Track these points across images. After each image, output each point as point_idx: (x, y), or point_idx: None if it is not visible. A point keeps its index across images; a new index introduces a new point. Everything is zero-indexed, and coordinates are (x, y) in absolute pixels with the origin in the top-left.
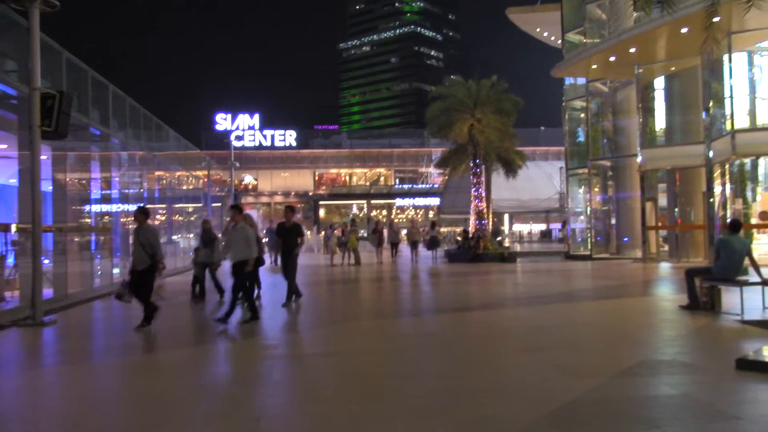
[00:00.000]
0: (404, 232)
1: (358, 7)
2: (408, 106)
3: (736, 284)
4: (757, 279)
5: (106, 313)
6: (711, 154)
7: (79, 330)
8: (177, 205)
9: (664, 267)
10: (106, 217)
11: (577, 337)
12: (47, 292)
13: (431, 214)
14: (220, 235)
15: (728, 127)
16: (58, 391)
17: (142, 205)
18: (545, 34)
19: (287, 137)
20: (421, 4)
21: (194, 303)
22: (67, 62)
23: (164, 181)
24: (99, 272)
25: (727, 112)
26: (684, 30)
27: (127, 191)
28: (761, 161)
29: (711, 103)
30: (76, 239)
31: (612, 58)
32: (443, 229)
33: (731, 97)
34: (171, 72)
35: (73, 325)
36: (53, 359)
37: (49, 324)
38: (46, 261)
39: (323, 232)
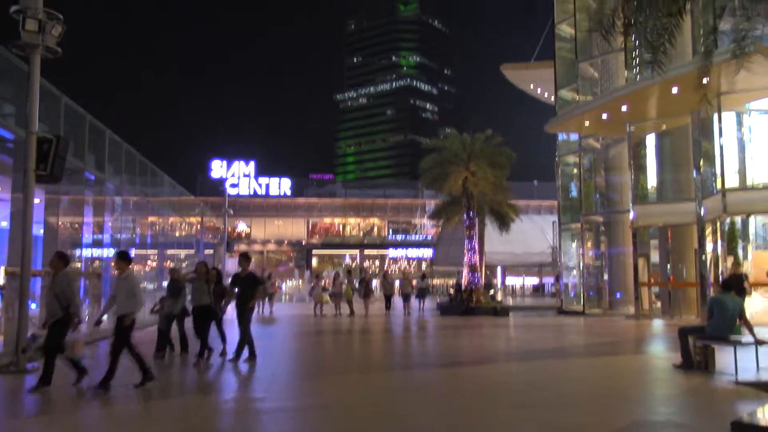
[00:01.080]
0: (397, 283)
1: (355, 60)
2: (403, 157)
3: (730, 344)
4: (751, 339)
5: (91, 361)
6: (702, 211)
7: (62, 379)
8: (169, 251)
9: (657, 324)
10: (97, 261)
11: (569, 395)
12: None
13: (424, 265)
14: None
15: (719, 185)
16: None
17: (62, 250)
18: (539, 90)
19: (282, 185)
20: (418, 59)
21: (160, 357)
22: (65, 107)
23: (157, 227)
24: (86, 318)
25: (718, 170)
26: (674, 90)
27: (119, 236)
28: (752, 220)
29: (702, 162)
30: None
31: (604, 116)
32: (436, 281)
33: (721, 156)
34: (168, 117)
35: (57, 372)
36: (34, 409)
37: (33, 371)
38: (33, 306)
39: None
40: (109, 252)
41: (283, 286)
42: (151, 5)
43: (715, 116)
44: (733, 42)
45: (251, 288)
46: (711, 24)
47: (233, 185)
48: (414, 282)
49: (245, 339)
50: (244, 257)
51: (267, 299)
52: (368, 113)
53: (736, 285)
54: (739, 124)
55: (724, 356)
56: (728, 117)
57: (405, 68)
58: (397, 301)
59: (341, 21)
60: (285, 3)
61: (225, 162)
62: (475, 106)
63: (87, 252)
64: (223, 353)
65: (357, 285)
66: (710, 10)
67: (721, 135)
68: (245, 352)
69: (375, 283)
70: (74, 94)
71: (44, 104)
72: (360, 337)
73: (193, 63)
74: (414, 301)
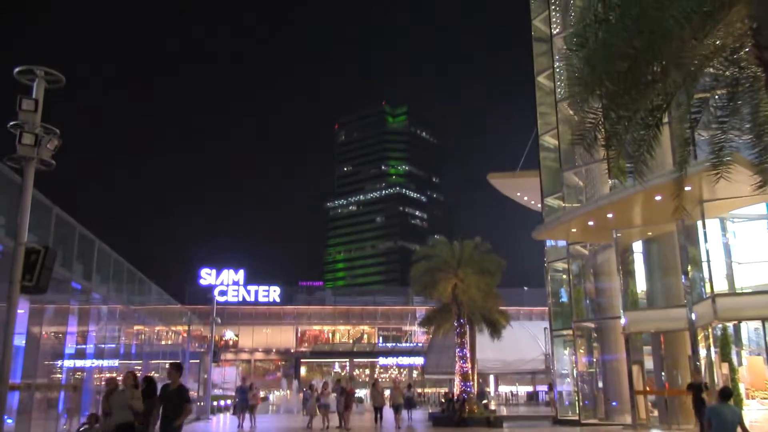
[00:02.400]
0: (387, 393)
1: (345, 169)
2: (392, 264)
3: None
4: None
5: None
6: (693, 317)
7: None
8: (153, 361)
9: None
10: (79, 373)
11: None
12: None
13: (415, 373)
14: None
15: (708, 290)
16: None
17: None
18: (525, 198)
19: (271, 293)
20: (406, 168)
21: None
22: (56, 217)
23: (142, 336)
24: None
25: (706, 276)
26: (658, 198)
27: (102, 346)
28: (743, 325)
29: (690, 267)
30: (44, 396)
31: (590, 223)
32: (427, 390)
33: (708, 261)
34: (159, 226)
35: None
36: None
37: None
38: (9, 420)
39: (302, 392)
40: (92, 362)
41: (271, 397)
42: (146, 120)
43: (700, 223)
44: (711, 153)
45: (178, 404)
46: (687, 135)
47: (222, 293)
48: (404, 391)
49: None
50: (175, 367)
51: (248, 411)
52: (358, 220)
53: (695, 395)
54: (724, 230)
55: None
56: (713, 224)
57: (394, 177)
58: (387, 412)
59: (332, 132)
60: (275, 113)
61: (214, 270)
62: (464, 212)
63: (69, 363)
64: None
65: (337, 395)
66: (686, 121)
67: (706, 241)
68: None
69: (365, 392)
70: (64, 203)
71: (35, 214)
72: None
73: (187, 173)
74: (404, 413)
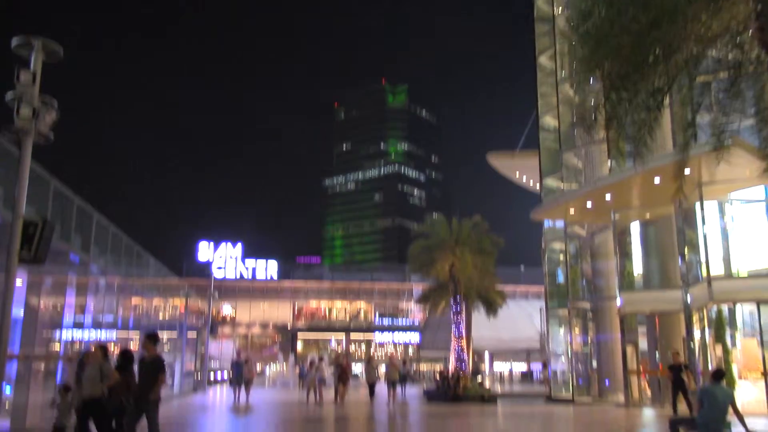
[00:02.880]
0: (382, 369)
1: (344, 147)
2: (390, 241)
3: None
4: (742, 430)
5: None
6: (689, 299)
7: None
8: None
9: (648, 414)
10: (77, 344)
11: None
12: (4, 423)
13: (411, 350)
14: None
15: (704, 273)
16: None
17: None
18: (524, 178)
19: (269, 268)
20: (405, 147)
21: None
22: (54, 190)
23: (140, 309)
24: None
25: (702, 258)
26: (657, 180)
27: (100, 318)
28: (739, 307)
29: (686, 250)
30: (41, 368)
31: (589, 204)
32: (423, 366)
33: (705, 244)
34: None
35: None
36: None
37: None
38: (8, 389)
39: (298, 367)
40: (90, 334)
41: (267, 371)
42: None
43: (698, 205)
44: (712, 136)
45: (152, 375)
46: (689, 118)
47: (219, 268)
48: (400, 369)
49: None
50: (150, 338)
51: (243, 385)
52: (356, 198)
53: (674, 375)
54: (722, 213)
55: None
56: (711, 206)
57: (393, 155)
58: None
59: (332, 109)
60: (276, 90)
61: (212, 243)
62: (462, 192)
63: (67, 334)
64: None
65: (334, 370)
66: (688, 104)
67: (704, 224)
68: None
69: (361, 368)
70: (62, 175)
71: (33, 187)
72: (344, 428)
73: (184, 144)
74: (398, 389)
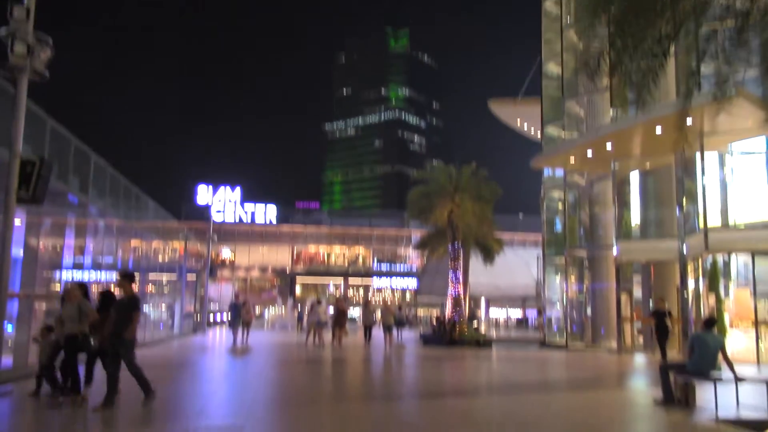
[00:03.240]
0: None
1: (345, 92)
2: (389, 188)
3: (710, 381)
4: (731, 376)
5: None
6: (684, 249)
7: (36, 402)
8: (151, 276)
9: (639, 359)
10: None
11: (550, 430)
12: (6, 360)
13: (408, 295)
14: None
15: (701, 224)
16: None
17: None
18: (525, 126)
19: (267, 212)
20: (406, 92)
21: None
22: (50, 130)
23: (140, 251)
24: None
25: (700, 209)
26: (658, 129)
27: (100, 260)
28: (733, 258)
29: (684, 200)
30: (42, 307)
31: (589, 153)
32: (420, 311)
33: (704, 195)
34: (155, 143)
35: (31, 397)
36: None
37: (5, 395)
38: (9, 328)
39: (296, 310)
40: (90, 275)
41: (266, 314)
42: (138, 36)
43: (698, 156)
44: (716, 85)
45: (127, 314)
46: (693, 67)
47: (218, 211)
48: (396, 313)
49: (116, 382)
50: (125, 276)
51: (243, 327)
52: (356, 144)
53: (658, 321)
54: (722, 164)
55: (704, 393)
56: (711, 157)
57: (394, 101)
58: (378, 331)
59: (332, 54)
60: (278, 34)
61: (210, 187)
62: (463, 139)
63: (67, 275)
64: (76, 396)
65: (330, 312)
66: (693, 53)
67: (703, 174)
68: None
69: (358, 311)
70: (59, 116)
71: (29, 126)
72: (340, 368)
73: (183, 89)
74: (394, 333)
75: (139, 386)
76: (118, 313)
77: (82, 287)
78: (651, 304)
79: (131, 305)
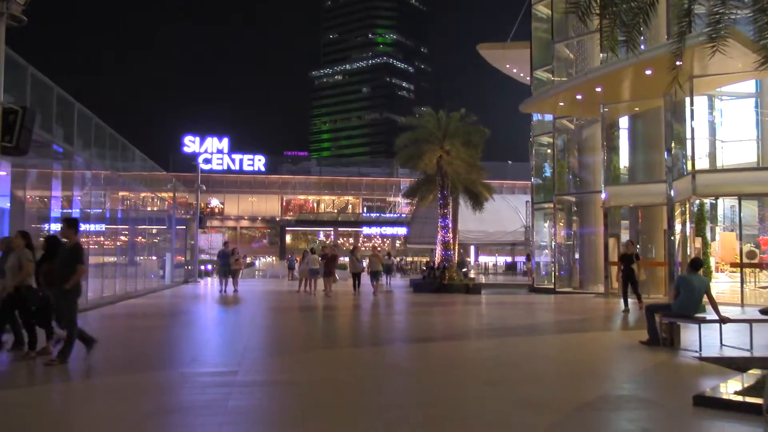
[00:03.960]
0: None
1: (331, 36)
2: (378, 135)
3: (695, 321)
4: (715, 317)
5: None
6: (672, 193)
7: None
8: (140, 227)
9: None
10: None
11: (539, 371)
12: None
13: (398, 243)
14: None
15: (689, 167)
16: (5, 416)
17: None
18: (514, 70)
19: (256, 162)
20: (394, 37)
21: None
22: (32, 78)
23: (128, 202)
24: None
25: (689, 153)
26: (648, 72)
27: (89, 210)
28: (720, 202)
29: (673, 144)
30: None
31: (578, 97)
32: (409, 258)
33: (692, 138)
34: (139, 91)
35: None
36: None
37: None
38: None
39: (287, 259)
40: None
41: (257, 263)
42: None
43: (687, 99)
44: (708, 26)
45: (70, 263)
46: (686, 6)
47: (206, 161)
48: (384, 259)
49: (73, 333)
50: (68, 223)
51: (231, 276)
52: (344, 90)
53: (625, 264)
54: (711, 107)
55: (689, 333)
56: (700, 100)
57: (381, 46)
58: (366, 278)
59: None
60: None
61: (198, 138)
62: (451, 85)
63: (55, 227)
64: (19, 348)
65: (318, 260)
66: None
67: (692, 118)
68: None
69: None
70: (40, 67)
71: (10, 75)
72: (331, 315)
73: (167, 38)
74: (383, 280)
75: (81, 338)
76: (61, 263)
77: (26, 236)
78: (638, 249)
79: (74, 254)
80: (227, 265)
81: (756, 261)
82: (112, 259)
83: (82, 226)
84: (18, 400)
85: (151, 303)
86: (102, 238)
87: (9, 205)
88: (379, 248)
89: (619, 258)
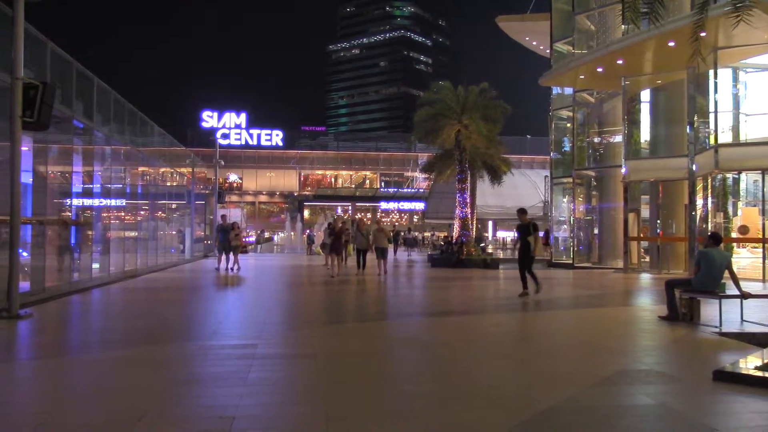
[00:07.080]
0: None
1: (348, 10)
2: (396, 110)
3: (715, 296)
4: (736, 292)
5: (83, 307)
6: (694, 167)
7: (55, 324)
8: (160, 202)
9: (645, 277)
10: (88, 211)
11: (556, 346)
12: (24, 285)
13: (416, 218)
14: None
15: (712, 141)
16: (31, 386)
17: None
18: (534, 43)
19: (273, 137)
20: (412, 9)
21: None
22: (51, 53)
23: (148, 177)
24: (78, 267)
25: (711, 127)
26: (671, 44)
27: (109, 186)
28: (743, 176)
29: (695, 118)
30: (55, 233)
31: (599, 70)
32: (427, 233)
33: (715, 112)
34: (158, 67)
35: (50, 318)
36: (27, 353)
37: (25, 317)
38: (24, 253)
39: (306, 234)
40: (100, 201)
41: (275, 237)
42: None
43: (711, 72)
44: None
45: None
46: None
47: (224, 136)
48: (390, 234)
49: None
50: None
51: (231, 253)
52: (361, 65)
53: (521, 237)
54: (735, 80)
55: (709, 309)
56: (724, 73)
57: (399, 19)
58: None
59: None
60: None
61: (216, 113)
62: (470, 58)
63: (77, 201)
64: None
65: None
66: None
67: (716, 91)
68: None
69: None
70: (60, 42)
71: (30, 50)
72: (348, 289)
73: (184, 13)
74: (391, 257)
75: None
76: None
77: None
78: (658, 223)
79: None
80: (227, 241)
81: None
82: (133, 233)
83: (102, 201)
84: (25, 374)
85: (172, 277)
86: (123, 213)
87: (32, 180)
88: (382, 221)
89: (516, 228)
